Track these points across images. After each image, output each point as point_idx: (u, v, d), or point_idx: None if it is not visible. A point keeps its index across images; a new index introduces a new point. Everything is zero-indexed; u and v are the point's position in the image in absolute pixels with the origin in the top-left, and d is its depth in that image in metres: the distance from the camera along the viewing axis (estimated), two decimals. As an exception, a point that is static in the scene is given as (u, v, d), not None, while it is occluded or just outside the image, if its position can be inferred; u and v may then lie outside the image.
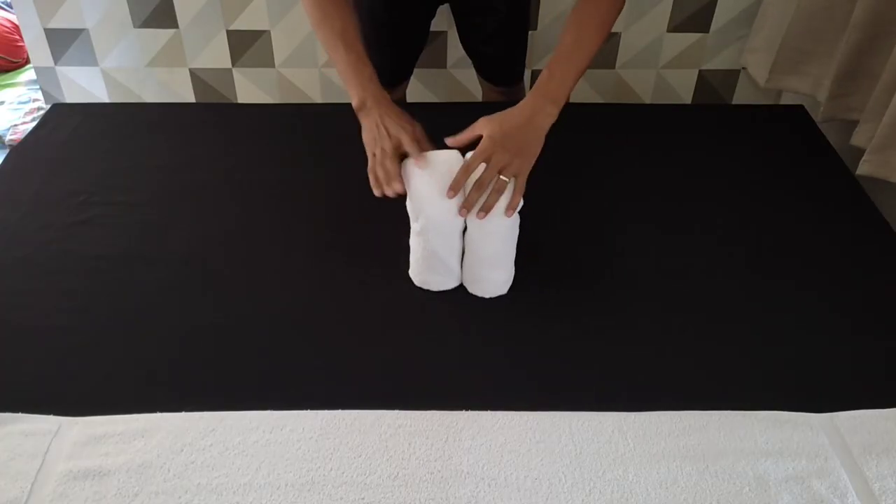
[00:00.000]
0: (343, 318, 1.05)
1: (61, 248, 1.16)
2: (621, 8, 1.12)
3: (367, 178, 1.06)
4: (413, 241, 1.08)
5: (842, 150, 1.47)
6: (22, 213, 1.23)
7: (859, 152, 1.48)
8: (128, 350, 0.99)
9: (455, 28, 1.60)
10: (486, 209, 1.00)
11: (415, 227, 1.06)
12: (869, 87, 1.56)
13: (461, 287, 1.10)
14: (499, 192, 1.00)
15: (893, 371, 0.98)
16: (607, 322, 1.05)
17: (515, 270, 1.10)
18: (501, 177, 1.01)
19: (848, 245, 1.20)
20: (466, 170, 1.01)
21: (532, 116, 1.05)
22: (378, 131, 1.07)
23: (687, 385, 0.96)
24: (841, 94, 1.61)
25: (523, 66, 1.63)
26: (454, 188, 1.00)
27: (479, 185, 1.00)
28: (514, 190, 1.01)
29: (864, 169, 1.45)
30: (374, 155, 1.07)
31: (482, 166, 1.01)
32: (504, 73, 1.63)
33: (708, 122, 1.54)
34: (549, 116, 1.06)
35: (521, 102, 1.08)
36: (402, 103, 1.25)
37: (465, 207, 1.01)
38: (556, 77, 1.08)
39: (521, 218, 1.06)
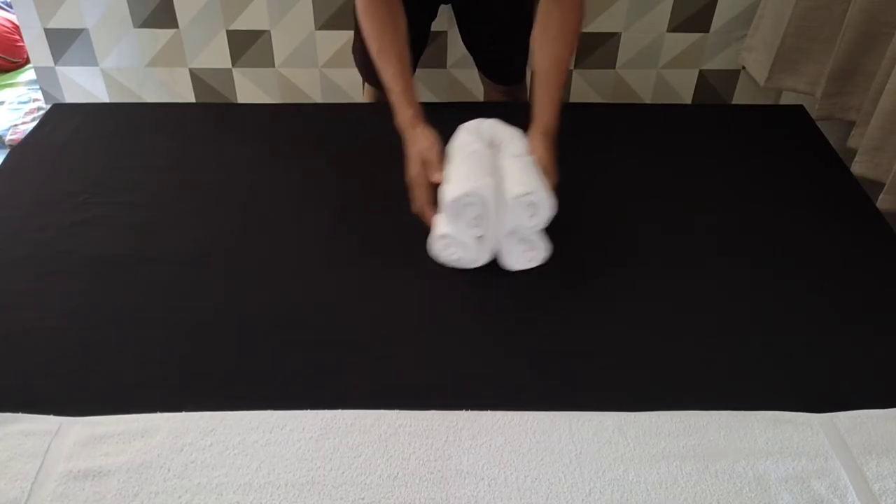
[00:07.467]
0: (343, 318, 1.05)
1: (61, 248, 1.16)
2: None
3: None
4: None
5: (841, 151, 1.47)
6: (22, 213, 1.23)
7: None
8: (128, 350, 0.99)
9: (455, 27, 1.60)
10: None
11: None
12: (865, 87, 1.56)
13: (462, 288, 1.10)
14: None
15: (893, 371, 0.98)
16: (607, 322, 1.05)
17: (515, 272, 1.11)
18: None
19: (848, 245, 1.20)
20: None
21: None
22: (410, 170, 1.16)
23: (687, 385, 0.96)
24: (836, 93, 1.61)
25: (525, 65, 1.63)
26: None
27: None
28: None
29: (856, 169, 1.45)
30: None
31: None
32: (506, 72, 1.63)
33: (708, 123, 1.54)
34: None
35: (543, 126, 1.16)
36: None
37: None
38: (555, 102, 1.18)
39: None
